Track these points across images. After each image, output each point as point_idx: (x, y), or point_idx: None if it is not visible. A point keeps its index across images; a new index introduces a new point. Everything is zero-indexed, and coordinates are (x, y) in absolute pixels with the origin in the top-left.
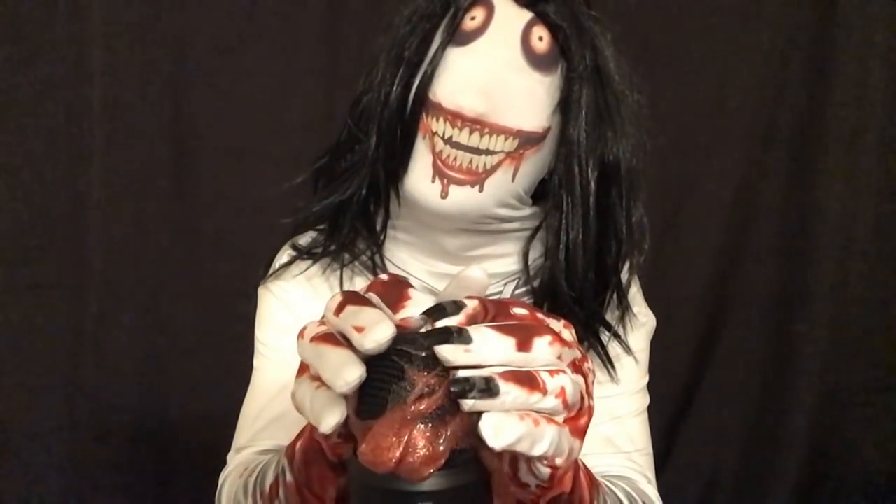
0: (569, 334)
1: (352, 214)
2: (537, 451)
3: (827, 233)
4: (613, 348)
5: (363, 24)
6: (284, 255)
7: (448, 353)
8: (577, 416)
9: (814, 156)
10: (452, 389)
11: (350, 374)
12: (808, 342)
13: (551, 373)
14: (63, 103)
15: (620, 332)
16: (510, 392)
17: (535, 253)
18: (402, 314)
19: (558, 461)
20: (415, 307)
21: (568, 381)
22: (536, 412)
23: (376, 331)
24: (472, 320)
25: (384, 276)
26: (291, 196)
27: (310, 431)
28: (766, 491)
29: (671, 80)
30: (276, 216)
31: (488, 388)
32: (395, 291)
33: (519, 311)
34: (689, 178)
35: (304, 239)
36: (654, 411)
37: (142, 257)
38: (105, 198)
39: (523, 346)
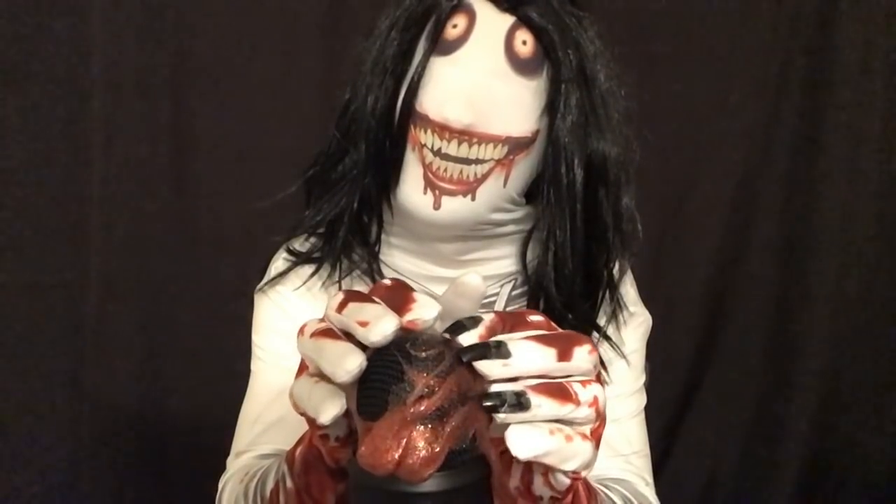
0: None
1: (345, 228)
2: (568, 467)
3: (827, 233)
4: (607, 351)
5: (363, 25)
6: (280, 260)
7: (486, 368)
8: (599, 426)
9: (814, 156)
10: (485, 404)
11: (350, 363)
12: (808, 342)
13: (584, 383)
14: (63, 104)
15: (613, 330)
16: (542, 405)
17: (533, 253)
18: (408, 317)
19: (583, 473)
20: (420, 309)
21: (601, 391)
22: (569, 423)
23: (381, 324)
24: (492, 333)
25: (387, 281)
26: (290, 198)
27: (309, 438)
28: (766, 491)
29: (672, 80)
30: (275, 217)
31: (519, 403)
32: (399, 295)
33: (535, 318)
34: (689, 177)
35: (300, 242)
36: (653, 412)
37: (142, 257)
38: (105, 198)
39: (564, 355)
